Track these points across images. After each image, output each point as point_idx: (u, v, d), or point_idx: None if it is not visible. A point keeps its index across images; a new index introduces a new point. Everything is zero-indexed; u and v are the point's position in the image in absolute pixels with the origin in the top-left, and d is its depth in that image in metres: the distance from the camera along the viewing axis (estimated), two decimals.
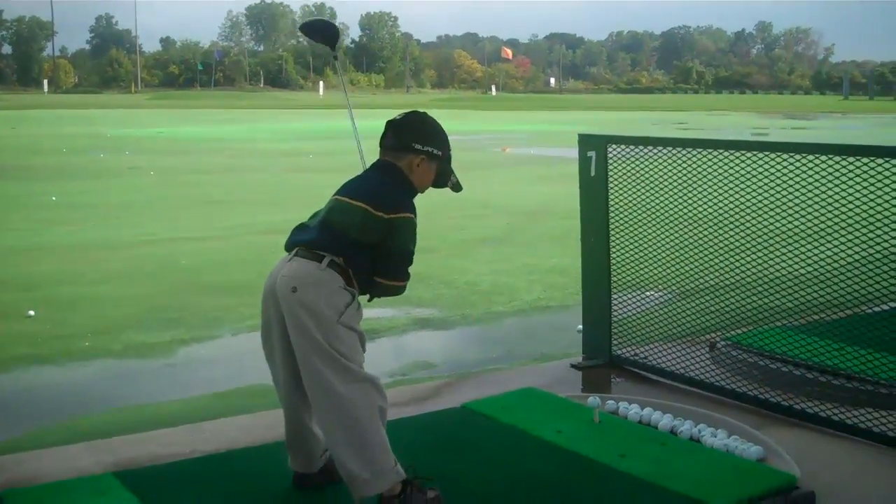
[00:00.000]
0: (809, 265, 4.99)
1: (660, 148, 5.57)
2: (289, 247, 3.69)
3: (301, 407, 3.75)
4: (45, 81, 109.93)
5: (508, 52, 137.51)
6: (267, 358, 3.82)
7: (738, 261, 5.35)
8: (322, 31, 4.73)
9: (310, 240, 3.59)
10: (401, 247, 3.59)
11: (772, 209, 5.22)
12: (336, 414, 3.50)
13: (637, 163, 5.64)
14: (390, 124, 3.77)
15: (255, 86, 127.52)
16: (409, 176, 3.71)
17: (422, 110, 3.92)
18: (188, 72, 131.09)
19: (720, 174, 5.24)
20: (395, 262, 3.61)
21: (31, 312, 7.64)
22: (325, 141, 30.79)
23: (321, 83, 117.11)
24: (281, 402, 3.83)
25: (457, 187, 3.91)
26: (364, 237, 3.55)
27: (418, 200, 3.70)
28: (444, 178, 3.82)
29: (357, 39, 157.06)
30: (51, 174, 19.85)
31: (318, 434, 3.77)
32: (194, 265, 9.89)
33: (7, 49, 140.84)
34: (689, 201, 5.41)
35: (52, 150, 26.43)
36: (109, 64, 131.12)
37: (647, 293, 5.85)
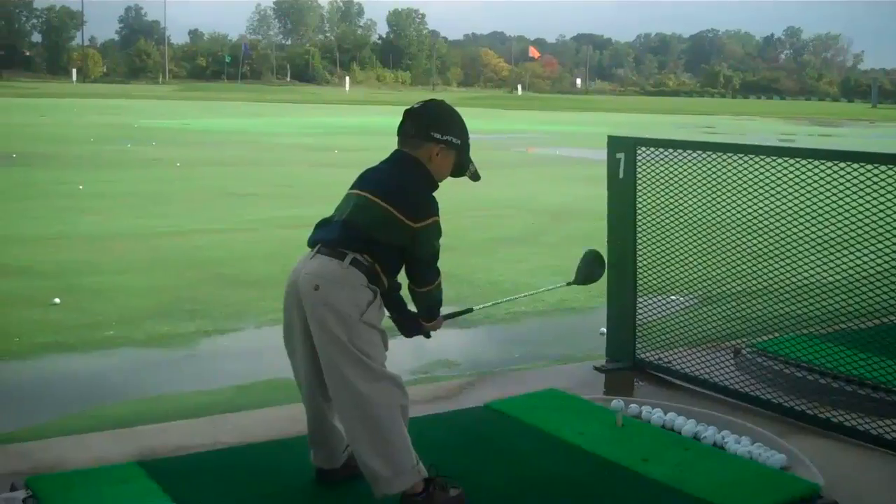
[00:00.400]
0: (837, 273, 4.95)
1: (689, 151, 5.54)
2: (311, 243, 3.68)
3: (323, 403, 3.76)
4: (74, 71, 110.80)
5: (535, 52, 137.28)
6: (289, 354, 3.83)
7: (764, 267, 5.31)
8: None
9: (332, 238, 3.57)
10: (428, 252, 3.62)
11: (800, 216, 5.18)
12: (358, 412, 3.51)
13: (665, 166, 5.61)
14: (408, 113, 3.73)
15: (281, 79, 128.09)
16: (428, 166, 3.68)
17: (440, 98, 3.91)
18: (215, 64, 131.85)
19: (748, 179, 5.21)
20: (424, 267, 3.64)
21: (57, 300, 7.70)
22: (350, 136, 30.87)
23: (347, 78, 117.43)
24: (303, 398, 3.84)
25: (475, 177, 3.89)
26: (389, 238, 3.54)
27: (440, 197, 3.70)
28: (463, 167, 3.79)
29: (384, 36, 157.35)
30: (78, 163, 19.99)
31: (341, 430, 3.76)
32: (218, 257, 9.93)
33: (37, 38, 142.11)
34: (717, 206, 5.38)
35: (80, 140, 26.61)
36: (138, 55, 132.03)
37: (673, 297, 5.83)
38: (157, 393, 5.68)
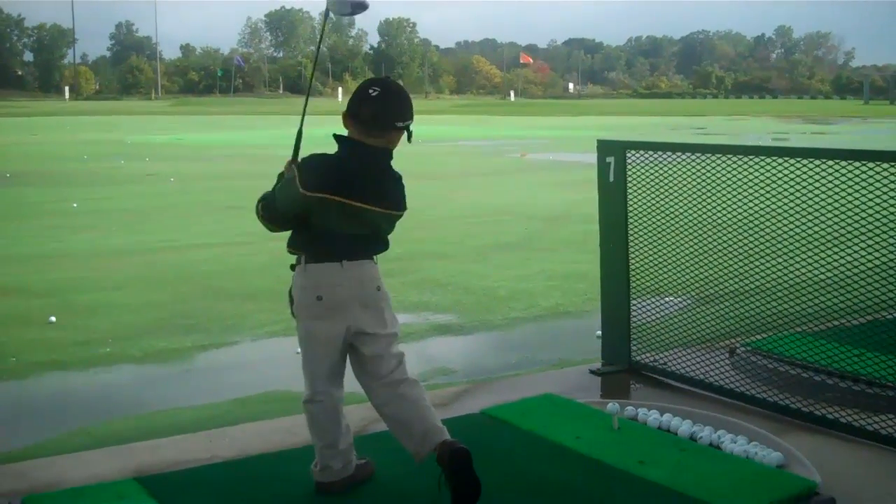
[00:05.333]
0: (829, 271, 4.96)
1: (679, 153, 5.56)
2: (349, 257, 3.82)
3: (338, 404, 3.89)
4: (66, 88, 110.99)
5: (527, 58, 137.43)
6: (320, 361, 3.91)
7: (757, 266, 5.33)
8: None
9: (355, 250, 3.83)
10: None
11: (791, 214, 5.19)
12: (414, 391, 3.81)
13: (656, 168, 5.63)
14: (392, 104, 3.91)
15: (274, 92, 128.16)
16: (368, 141, 3.82)
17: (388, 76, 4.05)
18: (208, 78, 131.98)
19: (739, 180, 5.23)
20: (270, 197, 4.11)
21: (52, 318, 7.69)
22: None
23: (340, 89, 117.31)
24: (325, 404, 3.88)
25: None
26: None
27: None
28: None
29: (376, 46, 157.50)
30: (72, 180, 20.00)
31: (351, 432, 3.95)
32: (213, 271, 9.94)
33: (29, 56, 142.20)
34: (709, 207, 5.40)
35: (73, 157, 26.62)
36: (130, 71, 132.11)
37: (667, 299, 5.84)
38: (154, 409, 5.67)
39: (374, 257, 3.89)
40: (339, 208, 3.74)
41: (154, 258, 10.78)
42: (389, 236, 3.95)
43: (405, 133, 3.86)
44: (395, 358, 3.84)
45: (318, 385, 3.85)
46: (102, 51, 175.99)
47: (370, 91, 3.80)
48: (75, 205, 15.71)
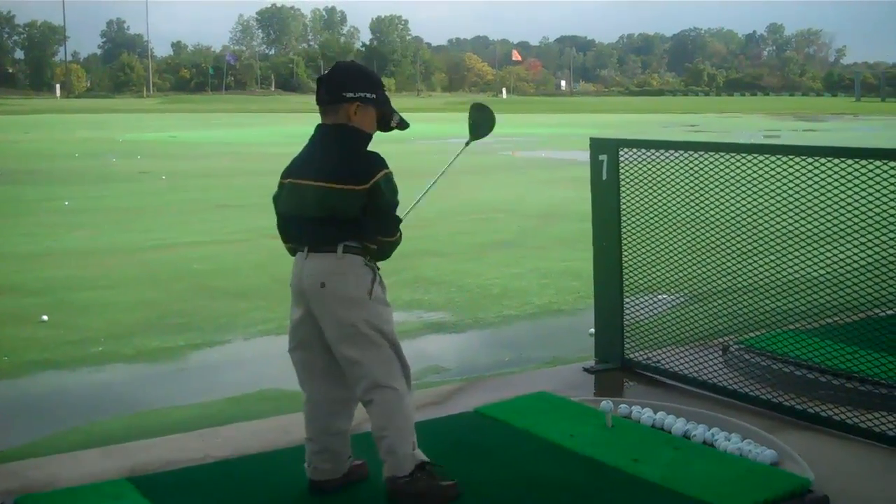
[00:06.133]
0: (822, 268, 4.97)
1: (671, 151, 5.56)
2: (294, 243, 3.77)
3: (332, 406, 3.81)
4: (58, 86, 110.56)
5: (519, 55, 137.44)
6: (295, 361, 3.88)
7: (750, 264, 5.34)
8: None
9: (315, 238, 3.67)
10: (387, 202, 3.67)
11: (784, 212, 5.20)
12: (377, 396, 3.64)
13: (649, 166, 5.63)
14: (320, 80, 3.81)
15: (265, 89, 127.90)
16: (352, 124, 3.73)
17: (350, 59, 3.97)
18: (199, 76, 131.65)
19: (732, 177, 5.23)
20: (385, 218, 3.69)
21: (45, 317, 7.67)
22: None
23: None
24: (309, 404, 3.85)
25: (402, 125, 3.90)
26: (353, 213, 3.62)
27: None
28: (386, 120, 3.83)
29: (367, 43, 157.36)
30: (63, 179, 19.95)
31: (346, 434, 3.87)
32: (206, 270, 9.92)
33: (19, 54, 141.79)
34: (701, 204, 5.40)
35: (65, 155, 26.56)
36: (121, 68, 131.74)
37: (660, 296, 5.84)
38: (147, 408, 5.66)
39: (339, 248, 3.63)
40: (283, 191, 3.80)
41: (147, 256, 10.76)
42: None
43: (366, 109, 3.72)
44: (355, 367, 3.66)
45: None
46: (93, 48, 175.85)
47: (324, 72, 3.85)
48: (67, 203, 15.68)
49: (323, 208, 3.64)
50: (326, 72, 3.84)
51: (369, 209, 3.63)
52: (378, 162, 3.68)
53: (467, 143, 4.59)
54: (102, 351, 6.86)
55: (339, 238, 3.63)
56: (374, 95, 3.75)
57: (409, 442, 3.68)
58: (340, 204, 3.61)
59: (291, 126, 45.34)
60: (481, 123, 4.74)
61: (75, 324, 7.61)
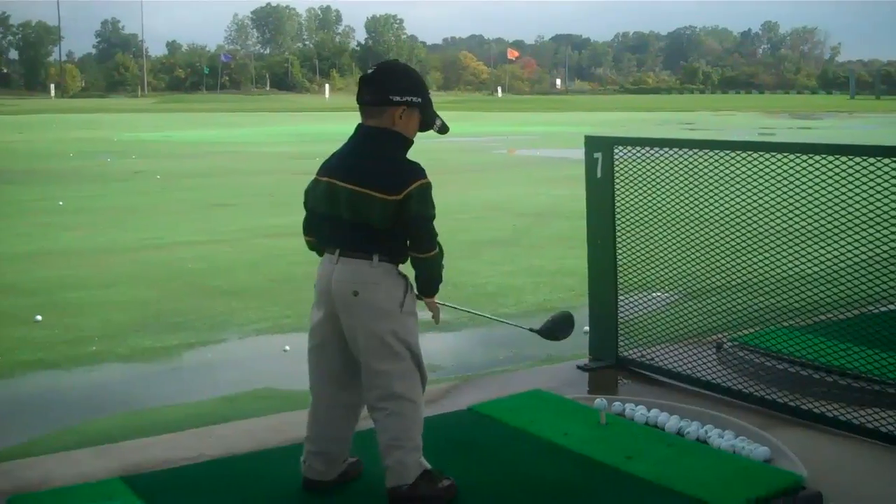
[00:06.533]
0: (816, 265, 4.98)
1: (666, 149, 5.56)
2: (324, 243, 3.72)
3: (341, 409, 3.79)
4: (52, 86, 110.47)
5: (514, 54, 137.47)
6: (312, 361, 3.82)
7: (744, 261, 5.34)
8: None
9: (344, 241, 3.61)
10: (415, 213, 3.56)
11: (778, 209, 5.21)
12: (391, 406, 3.62)
13: (643, 164, 5.63)
14: (364, 80, 3.72)
15: (261, 89, 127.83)
16: (394, 129, 3.66)
17: (392, 59, 3.87)
18: (194, 75, 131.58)
19: (727, 175, 5.24)
20: (417, 231, 3.60)
21: (39, 317, 7.66)
22: (331, 144, 30.48)
23: (327, 86, 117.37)
24: (317, 404, 3.83)
25: (443, 129, 3.85)
26: (387, 222, 3.55)
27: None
28: (429, 122, 3.78)
29: (363, 42, 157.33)
30: (58, 179, 19.91)
31: (348, 439, 3.87)
32: (200, 269, 9.91)
33: (14, 54, 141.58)
34: (696, 202, 5.40)
35: (60, 155, 26.51)
36: (116, 68, 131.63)
37: (654, 294, 5.85)
38: (141, 407, 5.65)
39: (377, 257, 3.58)
40: (318, 187, 3.74)
41: (141, 256, 10.75)
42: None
43: (411, 113, 3.66)
44: (377, 377, 3.63)
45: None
46: (88, 48, 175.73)
47: (369, 70, 3.76)
48: (61, 203, 15.65)
49: (356, 213, 3.57)
50: (371, 71, 3.74)
51: (401, 221, 3.56)
52: (415, 172, 3.59)
53: (532, 330, 4.49)
54: (96, 350, 6.85)
55: (374, 245, 3.57)
56: (419, 99, 3.69)
57: (419, 453, 3.68)
58: (373, 211, 3.54)
59: (287, 125, 45.35)
60: (558, 329, 4.52)
61: (69, 323, 7.59)
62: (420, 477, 3.65)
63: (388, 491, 3.66)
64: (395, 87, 3.64)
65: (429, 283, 3.73)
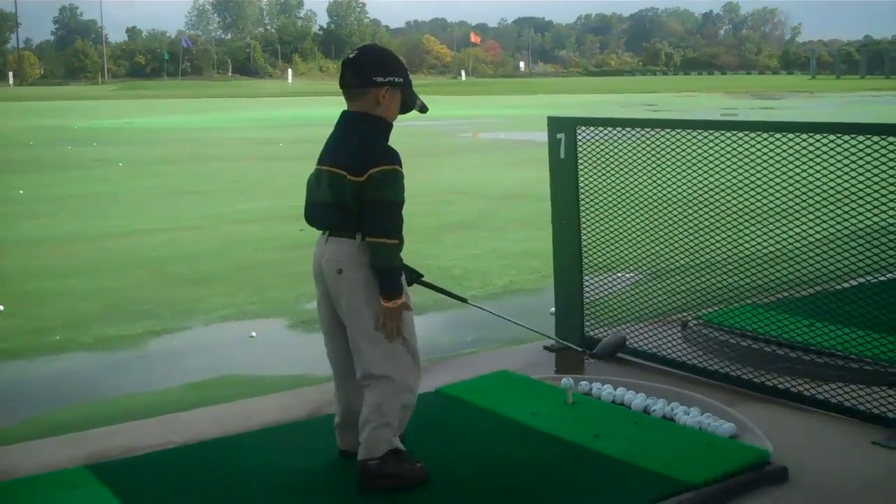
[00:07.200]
0: (778, 243, 5.02)
1: (629, 129, 5.58)
2: (315, 227, 3.84)
3: (353, 385, 3.86)
4: (10, 74, 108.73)
5: (477, 38, 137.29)
6: (324, 334, 3.95)
7: (707, 240, 5.37)
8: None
9: (333, 222, 3.72)
10: (372, 196, 3.60)
11: (740, 188, 5.24)
12: (374, 386, 3.71)
13: (606, 145, 5.64)
14: (347, 63, 3.81)
15: (223, 74, 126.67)
16: (376, 111, 3.74)
17: (371, 44, 3.95)
18: (155, 62, 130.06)
19: (688, 155, 5.26)
20: (370, 214, 3.62)
21: (1, 307, 7.57)
22: (294, 129, 30.65)
23: (289, 70, 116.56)
24: (335, 380, 3.98)
25: (423, 108, 3.93)
26: (357, 204, 3.62)
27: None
28: (409, 102, 3.86)
29: (325, 27, 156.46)
30: (18, 167, 19.65)
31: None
32: (164, 257, 9.83)
33: None
34: (659, 182, 5.43)
35: (19, 144, 26.18)
36: (75, 55, 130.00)
37: (619, 275, 5.87)
38: (107, 396, 5.61)
39: (358, 236, 3.65)
40: (312, 174, 3.86)
41: (104, 244, 10.64)
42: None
43: (394, 93, 3.75)
44: (359, 354, 3.73)
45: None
46: (46, 35, 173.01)
47: (350, 54, 3.84)
48: (21, 192, 15.45)
49: (335, 195, 3.66)
50: (353, 55, 3.83)
51: (362, 203, 3.61)
52: (383, 157, 3.64)
53: (583, 351, 4.72)
54: (60, 340, 6.79)
55: (353, 226, 3.65)
56: (401, 80, 3.78)
57: (391, 430, 3.72)
58: (342, 192, 3.62)
59: (250, 111, 45.04)
60: (610, 348, 4.75)
61: (32, 313, 7.51)
62: (389, 453, 3.69)
63: (358, 463, 3.73)
64: (377, 69, 3.74)
65: (383, 275, 3.67)
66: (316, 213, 3.82)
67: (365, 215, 3.62)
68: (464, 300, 4.45)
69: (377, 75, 3.72)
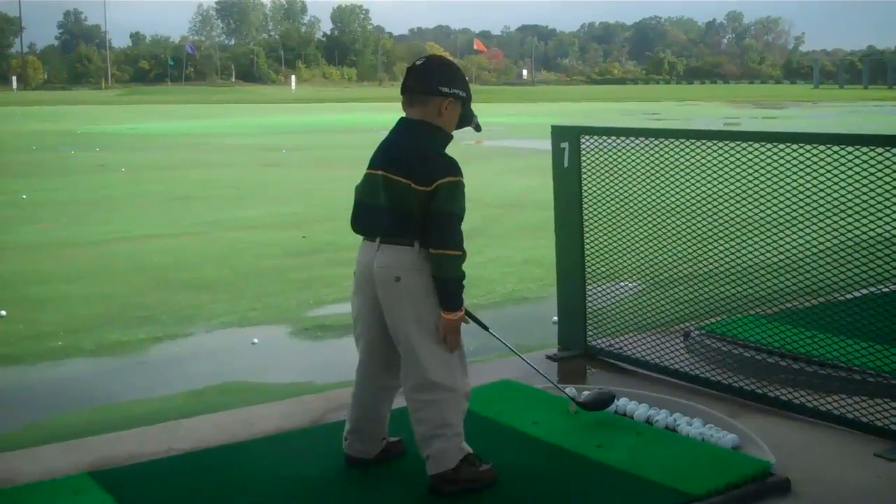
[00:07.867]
0: (782, 254, 5.02)
1: (632, 138, 5.58)
2: (366, 233, 3.78)
3: (380, 392, 3.90)
4: (14, 78, 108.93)
5: (481, 45, 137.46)
6: (357, 340, 3.94)
7: (711, 250, 5.37)
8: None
9: (391, 227, 3.67)
10: (440, 207, 3.60)
11: (744, 198, 5.24)
12: (428, 396, 3.70)
13: (610, 154, 5.64)
14: (412, 69, 3.81)
15: (226, 80, 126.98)
16: (437, 121, 3.74)
17: (437, 55, 3.96)
18: (158, 67, 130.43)
19: (692, 164, 5.26)
20: (437, 226, 3.61)
21: (3, 312, 7.56)
22: (296, 135, 30.66)
23: (293, 77, 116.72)
24: (358, 384, 3.95)
25: (478, 127, 3.97)
26: (424, 212, 3.62)
27: None
28: (467, 118, 3.87)
29: (328, 33, 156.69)
30: (20, 172, 19.66)
31: (386, 420, 4.00)
32: (166, 262, 9.83)
33: None
34: (663, 191, 5.43)
35: (22, 148, 26.18)
36: (79, 60, 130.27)
37: (622, 284, 5.87)
38: (109, 402, 5.60)
39: (416, 243, 3.64)
40: (363, 180, 3.82)
41: (106, 250, 10.64)
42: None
43: (455, 106, 3.76)
44: (415, 364, 3.70)
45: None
46: (50, 40, 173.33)
47: (417, 61, 3.84)
48: (24, 196, 15.45)
49: (395, 201, 3.64)
50: (419, 62, 3.83)
51: (428, 213, 3.61)
52: (448, 167, 3.64)
53: (574, 400, 4.59)
54: (62, 345, 6.78)
55: (415, 233, 3.63)
56: (464, 94, 3.79)
57: (460, 438, 3.75)
58: (408, 200, 3.61)
59: (253, 117, 45.04)
60: (597, 403, 4.64)
61: (33, 318, 7.50)
62: (462, 460, 3.73)
63: (432, 477, 3.74)
64: (443, 79, 3.75)
65: (446, 287, 3.65)
66: (367, 219, 3.77)
67: (430, 226, 3.61)
68: (486, 328, 4.34)
69: (443, 85, 3.73)
